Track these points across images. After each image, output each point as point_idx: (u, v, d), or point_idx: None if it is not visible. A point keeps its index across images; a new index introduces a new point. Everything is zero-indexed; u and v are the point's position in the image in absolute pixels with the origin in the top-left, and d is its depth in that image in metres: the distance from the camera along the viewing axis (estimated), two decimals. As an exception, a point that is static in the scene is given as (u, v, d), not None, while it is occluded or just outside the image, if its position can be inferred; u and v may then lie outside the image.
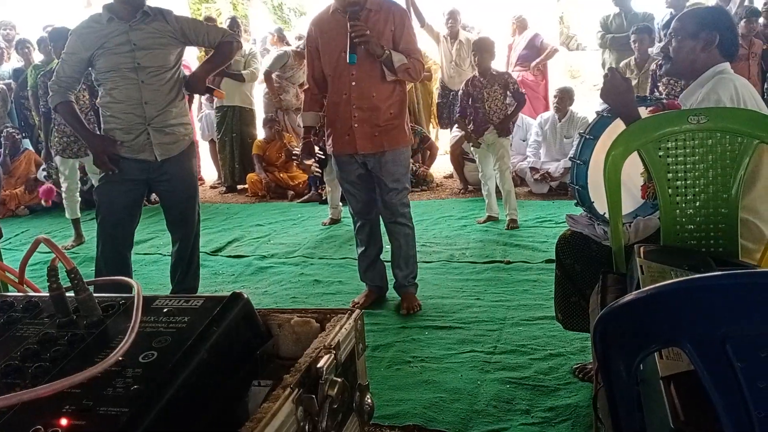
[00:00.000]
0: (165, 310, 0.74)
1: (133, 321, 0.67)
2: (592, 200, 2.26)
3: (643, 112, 2.19)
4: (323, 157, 4.70)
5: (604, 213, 2.17)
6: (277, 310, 0.83)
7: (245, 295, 0.74)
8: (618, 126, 2.19)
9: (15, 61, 7.10)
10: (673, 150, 2.00)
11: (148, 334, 0.69)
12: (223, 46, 3.15)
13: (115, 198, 3.04)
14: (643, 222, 2.23)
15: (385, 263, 3.42)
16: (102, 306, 0.74)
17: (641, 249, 1.84)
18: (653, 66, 4.74)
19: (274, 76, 6.53)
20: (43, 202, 5.92)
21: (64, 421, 0.57)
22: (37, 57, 6.28)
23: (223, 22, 7.84)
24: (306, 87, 3.28)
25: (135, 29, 2.91)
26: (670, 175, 2.01)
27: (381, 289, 3.42)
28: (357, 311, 0.82)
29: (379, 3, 3.06)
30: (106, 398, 0.59)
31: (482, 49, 4.69)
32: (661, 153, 2.00)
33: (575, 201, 2.38)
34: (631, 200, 2.32)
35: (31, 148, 6.62)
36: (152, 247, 4.72)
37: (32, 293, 0.87)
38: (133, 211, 3.12)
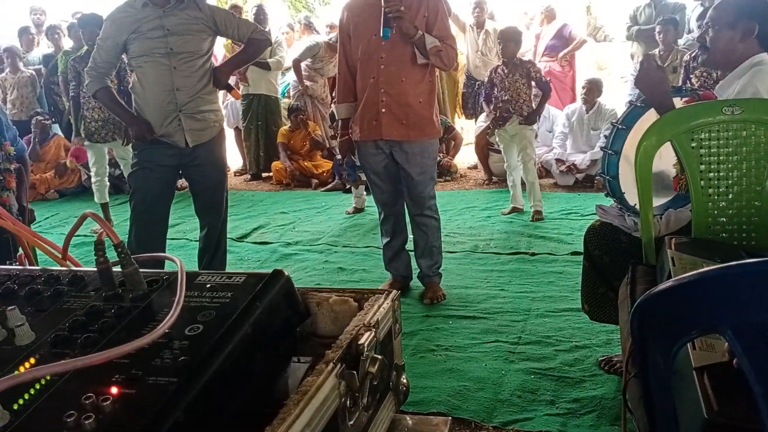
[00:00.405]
0: (208, 285, 0.76)
1: (178, 295, 0.69)
2: (623, 191, 2.23)
3: (678, 102, 2.16)
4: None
5: (635, 204, 2.15)
6: (315, 288, 0.84)
7: (286, 273, 0.75)
8: (651, 116, 2.17)
9: (45, 47, 7.21)
10: (706, 141, 1.97)
11: (193, 308, 0.70)
12: (252, 43, 3.16)
13: (149, 183, 3.08)
14: (675, 214, 2.20)
15: (410, 252, 3.43)
16: (147, 281, 0.76)
17: (672, 241, 1.82)
18: (686, 57, 4.65)
19: (303, 65, 6.54)
20: (68, 162, 5.96)
21: (114, 390, 0.59)
22: (67, 43, 6.38)
23: (248, 11, 7.88)
24: (338, 75, 3.24)
25: (168, 15, 2.93)
26: (702, 167, 1.99)
27: (405, 279, 3.42)
28: (394, 292, 0.82)
29: None
30: (154, 368, 0.60)
31: (507, 37, 4.66)
32: (694, 144, 1.98)
33: (605, 192, 2.36)
34: (662, 192, 2.29)
35: (60, 133, 6.73)
36: (179, 233, 4.77)
37: (75, 268, 0.89)
38: (166, 196, 3.18)
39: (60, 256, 0.91)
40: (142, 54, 2.97)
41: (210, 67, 3.10)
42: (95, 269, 0.83)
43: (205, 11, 3.02)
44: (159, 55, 2.94)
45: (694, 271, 0.75)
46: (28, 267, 0.89)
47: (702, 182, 2.00)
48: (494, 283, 3.45)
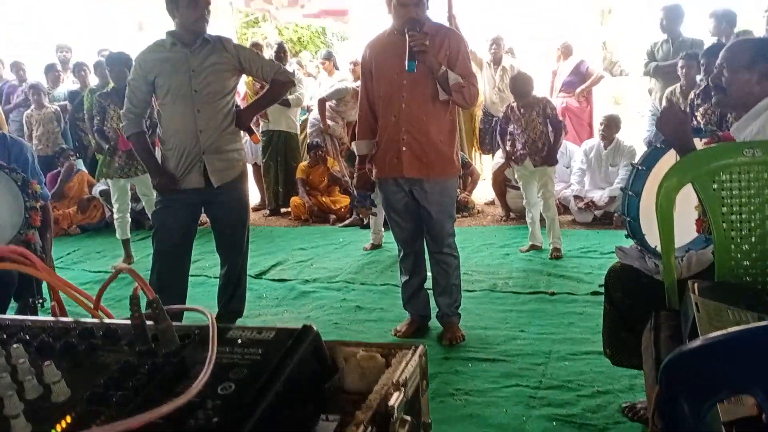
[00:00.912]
0: (239, 341, 0.77)
1: (210, 352, 0.70)
2: (644, 233, 2.22)
3: (698, 144, 2.16)
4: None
5: (656, 246, 2.14)
6: (342, 342, 0.84)
7: (315, 328, 0.76)
8: (671, 157, 2.17)
9: (69, 83, 7.40)
10: (727, 183, 1.96)
11: (225, 366, 0.71)
12: (275, 85, 3.23)
13: (172, 222, 3.14)
14: (696, 256, 2.18)
15: (429, 291, 3.42)
16: (179, 335, 0.77)
17: (695, 285, 1.81)
18: (691, 95, 4.66)
19: (328, 104, 6.65)
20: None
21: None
22: (93, 80, 6.55)
23: (267, 47, 8.06)
24: (359, 112, 3.27)
25: (195, 55, 3.00)
26: (724, 209, 1.98)
27: (424, 318, 3.41)
28: (421, 347, 0.83)
29: (437, 27, 3.10)
30: (189, 430, 0.61)
31: (519, 84, 4.71)
32: (715, 186, 1.97)
33: (626, 233, 2.35)
34: (683, 233, 2.28)
35: (84, 168, 6.86)
36: (198, 269, 4.80)
37: (108, 320, 0.90)
38: (189, 235, 3.23)
39: (92, 306, 0.92)
40: (167, 93, 3.04)
41: (233, 105, 3.15)
42: (127, 321, 0.84)
43: (231, 51, 3.09)
44: (183, 96, 3.00)
45: (723, 331, 0.75)
46: (62, 319, 0.91)
47: (724, 225, 1.98)
48: (514, 323, 3.42)
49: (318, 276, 4.58)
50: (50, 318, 0.91)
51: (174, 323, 0.80)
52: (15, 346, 0.76)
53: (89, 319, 0.90)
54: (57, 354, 0.78)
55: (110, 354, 0.77)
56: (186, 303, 3.33)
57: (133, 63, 3.21)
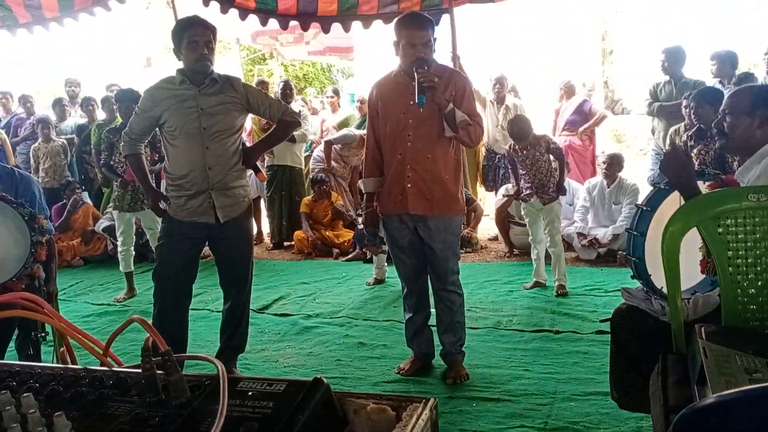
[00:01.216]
0: (249, 393, 0.76)
1: (221, 405, 0.70)
2: (650, 273, 2.22)
3: (702, 187, 2.18)
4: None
5: (662, 287, 2.14)
6: (351, 394, 0.84)
7: (325, 381, 0.76)
8: (676, 198, 2.18)
9: (76, 117, 7.49)
10: (733, 227, 1.97)
11: (236, 419, 0.71)
12: (282, 125, 3.27)
13: (174, 257, 3.14)
14: (702, 298, 2.18)
15: (432, 328, 3.40)
16: (189, 385, 0.77)
17: (702, 329, 1.80)
18: (684, 137, 4.69)
19: (334, 147, 6.72)
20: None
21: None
22: (100, 115, 6.63)
23: (275, 84, 8.20)
24: (366, 150, 3.31)
25: (203, 94, 3.04)
26: (730, 253, 1.98)
27: (427, 356, 3.38)
28: (432, 400, 0.82)
29: (442, 68, 3.15)
30: (200, 487, 0.61)
31: (517, 129, 4.71)
32: (720, 230, 1.97)
33: (631, 273, 2.35)
34: (689, 275, 2.27)
35: (89, 201, 6.89)
36: (200, 303, 4.78)
37: (117, 368, 0.90)
38: (191, 269, 3.23)
39: (101, 352, 0.92)
40: (174, 129, 3.06)
41: (240, 143, 3.19)
42: (136, 369, 0.84)
43: (239, 91, 3.12)
44: (192, 134, 3.03)
45: (735, 390, 0.75)
46: (71, 366, 0.91)
47: (730, 268, 1.98)
48: (518, 362, 3.39)
49: (321, 311, 4.56)
50: (59, 365, 0.91)
51: (188, 374, 0.80)
52: (25, 395, 0.76)
53: (99, 367, 0.90)
54: (67, 403, 0.78)
55: (121, 404, 0.77)
56: (187, 337, 3.34)
57: (142, 94, 3.27)
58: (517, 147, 4.80)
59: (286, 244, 6.95)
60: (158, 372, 0.78)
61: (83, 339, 0.91)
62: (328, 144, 6.71)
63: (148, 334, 0.80)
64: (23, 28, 6.88)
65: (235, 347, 3.38)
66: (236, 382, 0.79)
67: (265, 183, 6.84)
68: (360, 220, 5.94)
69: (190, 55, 2.98)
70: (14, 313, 0.83)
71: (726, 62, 5.47)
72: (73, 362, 0.93)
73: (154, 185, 3.27)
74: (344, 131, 6.80)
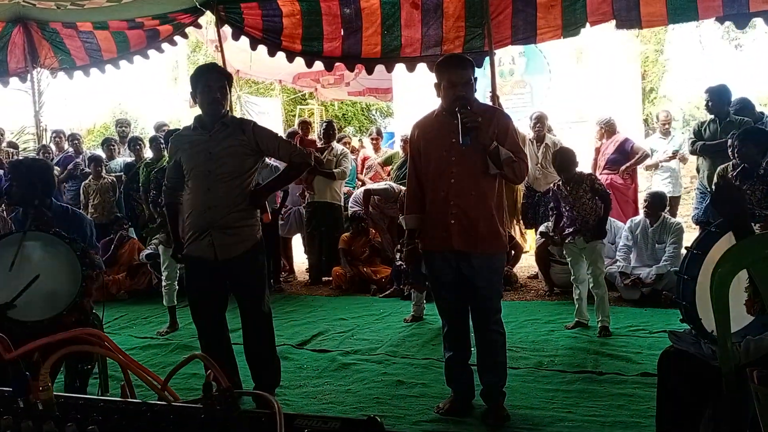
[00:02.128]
0: (306, 431, 0.78)
1: (278, 443, 0.72)
2: (700, 317, 2.17)
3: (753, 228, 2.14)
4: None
5: (712, 331, 2.09)
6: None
7: (380, 421, 0.78)
8: (727, 242, 2.14)
9: (126, 155, 7.77)
10: (785, 269, 1.93)
11: (293, 456, 0.73)
12: (291, 166, 3.40)
13: (196, 293, 3.36)
14: (754, 342, 2.12)
15: (473, 368, 3.36)
16: (246, 422, 0.79)
17: (755, 374, 1.75)
18: (728, 176, 4.61)
19: (373, 197, 6.83)
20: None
21: None
22: (148, 153, 6.87)
23: (316, 124, 8.40)
24: (408, 188, 3.36)
25: (213, 139, 3.19)
26: (782, 295, 1.93)
27: (467, 396, 3.33)
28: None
29: (484, 108, 3.21)
30: None
31: (561, 160, 4.73)
32: (772, 272, 1.93)
33: (680, 318, 2.29)
34: (737, 317, 2.21)
35: (135, 236, 7.09)
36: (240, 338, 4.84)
37: (175, 402, 0.93)
38: (216, 302, 3.36)
39: (160, 387, 0.96)
40: (187, 172, 3.26)
41: (250, 185, 3.29)
42: (194, 404, 0.87)
43: (248, 134, 3.25)
44: (198, 175, 3.21)
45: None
46: (131, 400, 0.94)
47: (783, 311, 1.93)
48: (560, 404, 3.32)
49: (359, 347, 4.55)
50: (120, 399, 0.95)
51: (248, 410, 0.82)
52: (90, 427, 0.79)
53: (158, 401, 0.93)
54: (129, 436, 0.81)
55: (180, 438, 0.79)
56: (237, 370, 3.43)
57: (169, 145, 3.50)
58: (560, 184, 4.79)
59: (324, 279, 7.00)
60: (217, 407, 0.81)
61: (143, 374, 0.94)
62: (368, 193, 6.83)
63: (210, 370, 0.83)
64: (80, 71, 7.25)
65: (267, 386, 3.41)
66: (293, 419, 0.80)
67: (305, 220, 6.96)
68: (398, 256, 5.97)
69: (204, 98, 3.18)
70: (81, 349, 0.87)
71: (722, 97, 5.63)
72: (133, 396, 0.97)
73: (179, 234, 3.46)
74: (385, 185, 6.92)
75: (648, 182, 7.79)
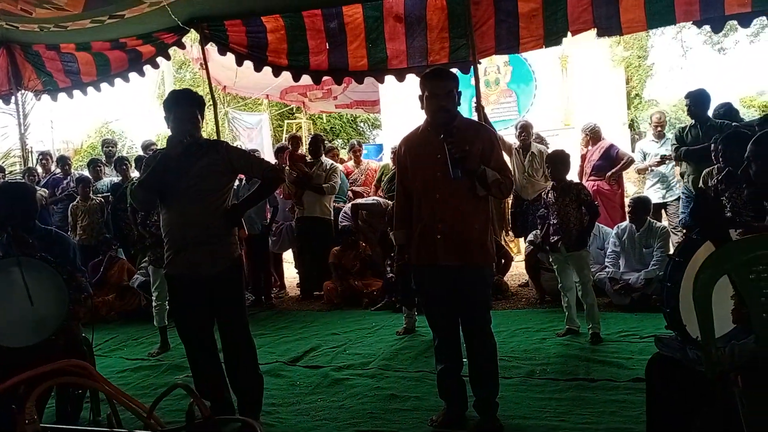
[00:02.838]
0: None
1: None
2: (684, 323, 2.20)
3: (733, 234, 2.17)
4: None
5: (697, 337, 2.11)
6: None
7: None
8: (709, 248, 2.17)
9: (113, 176, 7.75)
10: (765, 273, 1.95)
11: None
12: (265, 183, 3.44)
13: (184, 312, 3.35)
14: (739, 347, 2.14)
15: (465, 379, 3.37)
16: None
17: (739, 378, 1.77)
18: (713, 181, 4.64)
19: (361, 212, 6.85)
20: None
21: None
22: (134, 173, 6.86)
23: (305, 136, 8.43)
24: (396, 203, 3.39)
25: (187, 158, 3.21)
26: (763, 299, 1.95)
27: (460, 407, 3.33)
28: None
29: (468, 123, 3.23)
30: None
31: (556, 161, 4.77)
32: (752, 276, 1.96)
33: (665, 324, 2.32)
34: (725, 322, 2.24)
35: (123, 256, 7.06)
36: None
37: (160, 430, 0.94)
38: (204, 321, 3.35)
39: (145, 415, 0.96)
40: (162, 191, 3.27)
41: (225, 202, 3.32)
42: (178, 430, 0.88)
43: (222, 154, 3.30)
44: (174, 195, 3.22)
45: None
46: (117, 430, 0.95)
47: (764, 315, 1.96)
48: (553, 412, 3.33)
49: (351, 362, 4.55)
50: (106, 429, 0.95)
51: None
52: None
53: (143, 429, 0.94)
54: (114, 467, 0.81)
55: (164, 467, 0.80)
56: (225, 388, 3.42)
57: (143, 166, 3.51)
58: (549, 191, 4.83)
59: (315, 293, 7.00)
60: (200, 435, 0.82)
61: (129, 403, 0.95)
62: (355, 208, 6.87)
63: (192, 399, 0.84)
64: (63, 92, 7.25)
65: (251, 403, 3.41)
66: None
67: (295, 235, 6.97)
68: (389, 269, 5.99)
69: (177, 129, 3.21)
70: (65, 381, 0.87)
71: (703, 102, 5.71)
72: (119, 425, 0.97)
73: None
74: (372, 199, 6.97)
75: (635, 187, 7.81)
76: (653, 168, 6.97)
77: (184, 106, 3.23)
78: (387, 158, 8.25)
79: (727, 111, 5.87)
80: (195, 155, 3.22)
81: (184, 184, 3.20)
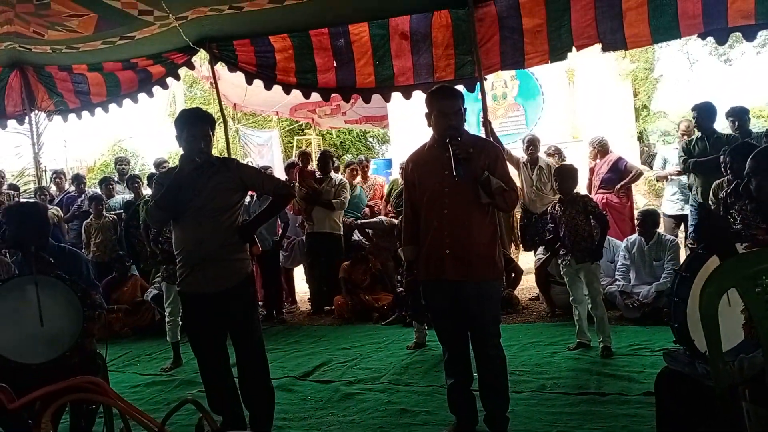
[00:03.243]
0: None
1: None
2: (693, 338, 2.20)
3: (738, 248, 2.17)
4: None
5: (705, 351, 2.11)
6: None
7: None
8: (716, 261, 2.18)
9: (126, 193, 7.84)
10: (771, 286, 1.96)
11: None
12: (276, 199, 3.49)
13: (198, 328, 3.38)
14: (748, 360, 2.14)
15: (475, 393, 3.37)
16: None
17: (746, 391, 1.78)
18: (721, 194, 4.63)
19: (366, 230, 6.90)
20: None
21: None
22: (146, 191, 6.94)
23: (315, 152, 8.48)
24: (404, 219, 3.41)
25: (199, 177, 3.24)
26: (769, 312, 1.96)
27: (471, 422, 3.34)
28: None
29: (474, 139, 3.26)
30: None
31: (564, 176, 4.79)
32: (758, 289, 1.96)
33: (674, 338, 2.32)
34: (732, 335, 2.24)
35: (137, 273, 7.13)
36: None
37: (172, 445, 0.97)
38: (216, 340, 3.38)
39: (157, 430, 0.99)
40: (176, 208, 3.28)
41: (237, 219, 3.35)
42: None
43: (233, 171, 3.33)
44: (187, 212, 3.25)
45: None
46: (130, 444, 0.98)
47: (771, 328, 1.96)
48: (564, 426, 3.33)
49: (362, 377, 4.56)
50: (120, 443, 0.98)
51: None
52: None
53: (155, 445, 0.97)
54: (128, 481, 0.84)
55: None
56: (239, 405, 3.42)
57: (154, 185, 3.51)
58: (556, 204, 4.84)
59: (326, 308, 7.02)
60: (210, 450, 0.85)
61: (141, 418, 0.98)
62: (361, 227, 6.95)
63: (201, 414, 0.87)
64: (73, 113, 7.35)
65: (261, 417, 3.42)
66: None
67: (306, 250, 7.02)
68: (399, 285, 6.00)
69: (189, 148, 3.25)
70: (80, 397, 0.91)
71: (710, 114, 5.68)
72: (132, 439, 1.01)
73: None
74: (376, 219, 7.10)
75: (645, 199, 7.77)
76: (673, 177, 6.75)
77: (196, 125, 3.27)
78: (396, 173, 8.29)
79: (740, 111, 5.78)
80: (207, 173, 3.26)
81: (198, 203, 3.23)
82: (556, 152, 7.11)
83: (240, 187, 3.36)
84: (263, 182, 3.49)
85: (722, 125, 6.07)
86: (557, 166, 5.39)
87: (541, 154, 6.77)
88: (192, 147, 3.23)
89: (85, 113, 7.34)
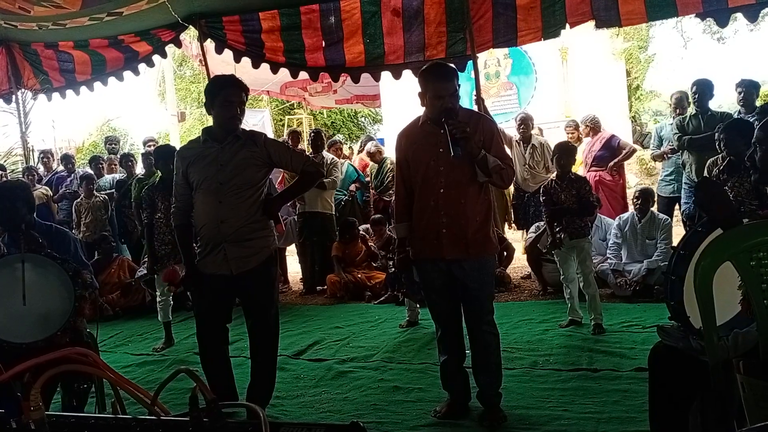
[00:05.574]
0: (290, 438, 0.80)
1: (264, 451, 0.74)
2: (688, 315, 2.20)
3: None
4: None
5: (700, 327, 2.11)
6: (387, 437, 0.87)
7: (362, 425, 0.80)
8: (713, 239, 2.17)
9: (117, 172, 7.78)
10: (766, 260, 1.95)
11: (278, 463, 0.75)
12: (304, 176, 3.37)
13: (210, 309, 3.29)
14: (742, 335, 2.14)
15: (468, 370, 3.38)
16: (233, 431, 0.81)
17: (740, 364, 1.78)
18: (715, 171, 4.62)
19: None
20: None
21: None
22: (139, 169, 6.88)
23: (306, 131, 8.41)
24: (396, 197, 3.37)
25: (225, 151, 3.16)
26: (764, 286, 1.96)
27: (464, 398, 3.36)
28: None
29: (469, 114, 3.21)
30: None
31: (564, 152, 4.79)
32: (753, 263, 1.96)
33: (669, 315, 2.32)
34: (727, 310, 2.24)
35: (128, 254, 7.09)
36: (236, 350, 4.83)
37: (165, 417, 0.95)
38: (225, 318, 3.33)
39: (149, 402, 0.97)
40: (196, 185, 3.20)
41: (261, 196, 3.24)
42: (183, 418, 0.89)
43: (260, 146, 3.22)
44: (209, 188, 3.14)
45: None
46: (121, 416, 0.96)
47: (765, 302, 1.96)
48: (556, 402, 3.35)
49: (355, 355, 4.57)
50: (110, 416, 0.97)
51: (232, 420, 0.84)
52: (82, 444, 0.81)
53: (147, 416, 0.95)
54: (120, 452, 0.83)
55: (169, 451, 0.81)
56: (233, 383, 3.42)
57: (175, 160, 3.40)
58: (554, 183, 4.83)
59: (318, 288, 7.02)
60: (204, 420, 0.83)
61: (133, 390, 0.96)
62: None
63: (196, 384, 0.85)
64: (57, 92, 7.22)
65: (262, 396, 3.41)
66: (278, 428, 0.83)
67: (297, 230, 6.99)
68: (391, 263, 5.99)
69: (224, 113, 3.13)
70: (70, 368, 0.89)
71: (709, 91, 5.65)
72: (123, 412, 0.99)
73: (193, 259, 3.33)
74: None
75: (637, 178, 7.76)
76: (669, 155, 6.47)
77: (234, 89, 3.13)
78: (388, 153, 8.22)
79: (749, 84, 5.66)
80: (234, 147, 3.16)
81: (221, 178, 3.12)
82: (577, 128, 7.03)
83: (266, 163, 3.25)
84: (291, 158, 3.35)
85: (717, 103, 6.04)
86: (557, 143, 5.36)
87: (535, 132, 6.75)
88: (227, 113, 3.11)
89: (69, 92, 7.20)
